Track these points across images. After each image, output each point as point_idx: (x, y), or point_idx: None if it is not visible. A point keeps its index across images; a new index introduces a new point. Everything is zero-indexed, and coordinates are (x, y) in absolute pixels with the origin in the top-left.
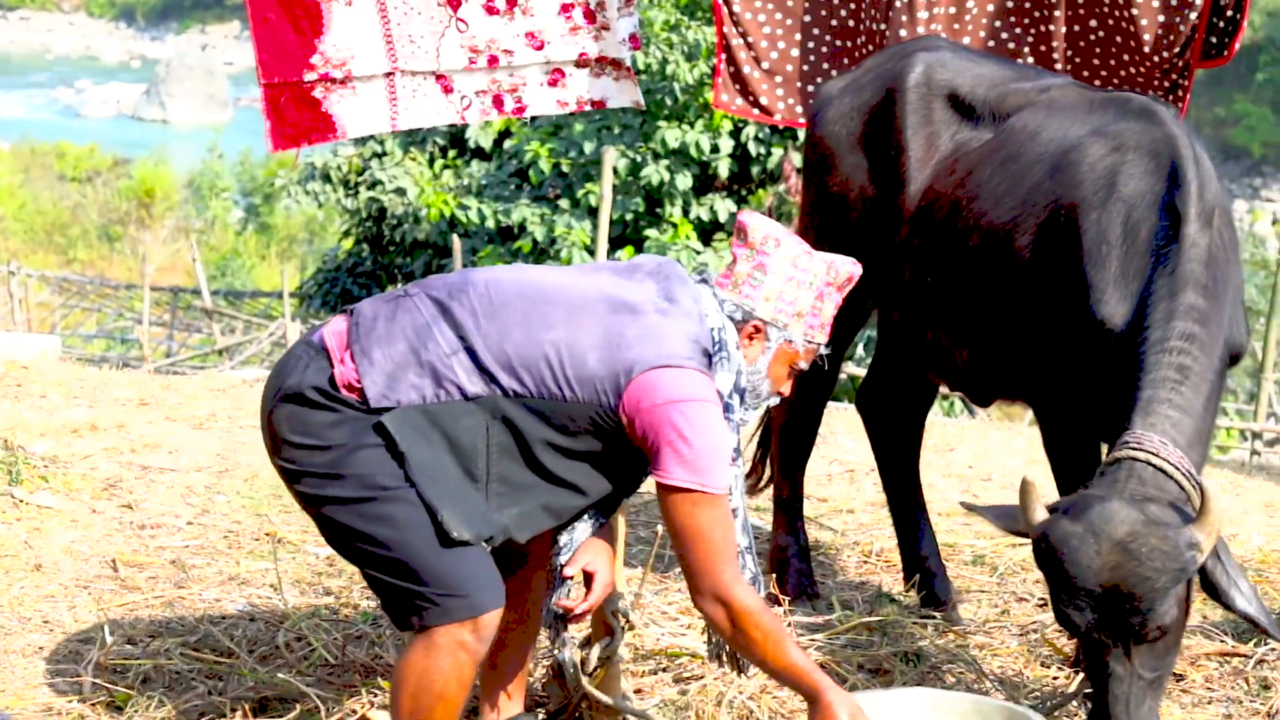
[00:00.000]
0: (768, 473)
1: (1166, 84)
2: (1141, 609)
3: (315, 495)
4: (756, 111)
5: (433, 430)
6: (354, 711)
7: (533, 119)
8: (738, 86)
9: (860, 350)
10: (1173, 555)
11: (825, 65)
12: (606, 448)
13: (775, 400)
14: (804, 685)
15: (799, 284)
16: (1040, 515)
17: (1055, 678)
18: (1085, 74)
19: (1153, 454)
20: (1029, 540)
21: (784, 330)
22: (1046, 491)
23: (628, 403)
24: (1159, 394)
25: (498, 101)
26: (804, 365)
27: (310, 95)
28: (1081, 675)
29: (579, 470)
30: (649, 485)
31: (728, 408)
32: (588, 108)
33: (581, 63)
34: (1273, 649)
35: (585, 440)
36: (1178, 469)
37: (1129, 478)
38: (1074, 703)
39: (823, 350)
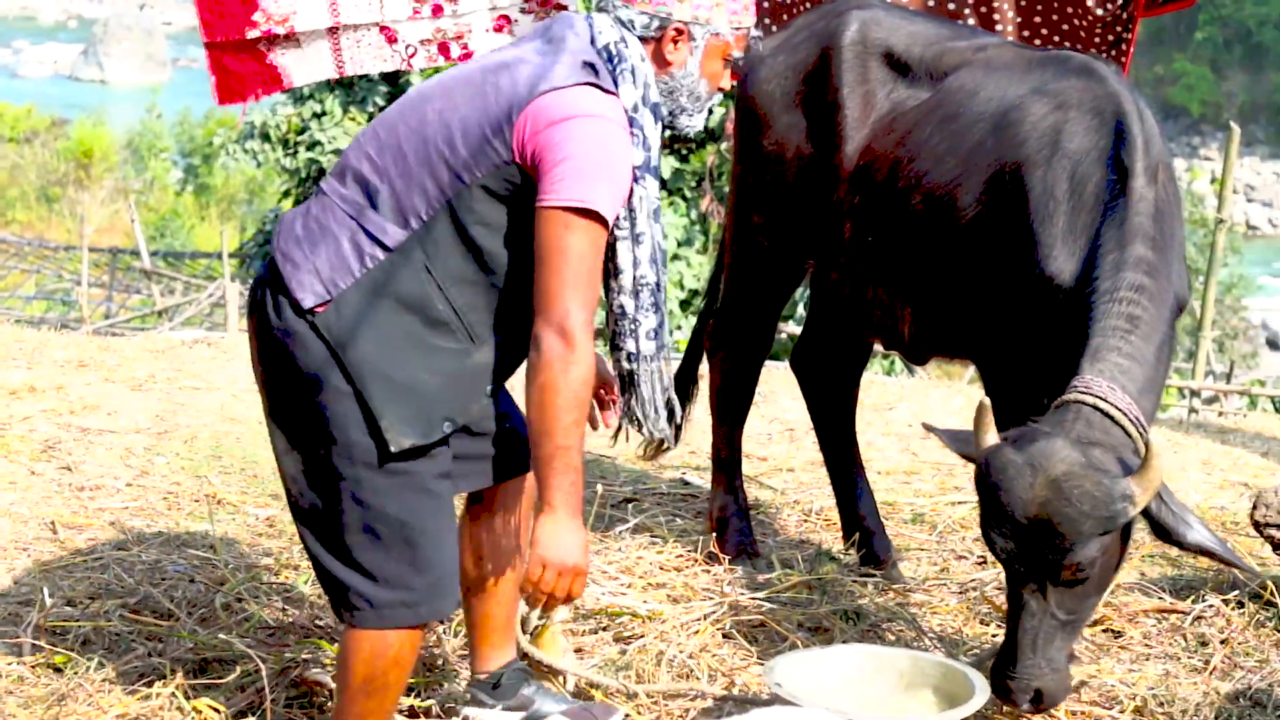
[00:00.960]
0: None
1: (1110, 37)
2: (1062, 548)
3: (311, 457)
4: None
5: (377, 302)
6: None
7: None
8: None
9: (801, 310)
10: (1103, 502)
11: (766, 20)
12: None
13: (718, 98)
14: (548, 487)
15: None
16: (990, 440)
17: (994, 635)
18: (1027, 32)
19: (1101, 399)
20: (968, 499)
21: (707, 25)
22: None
23: (516, 144)
24: (1109, 342)
25: (443, 49)
26: (738, 52)
27: (255, 49)
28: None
29: (516, 277)
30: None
31: (633, 123)
32: None
33: (527, 9)
34: (1210, 606)
35: (505, 230)
36: (1125, 415)
37: (1076, 420)
38: None
39: (754, 34)
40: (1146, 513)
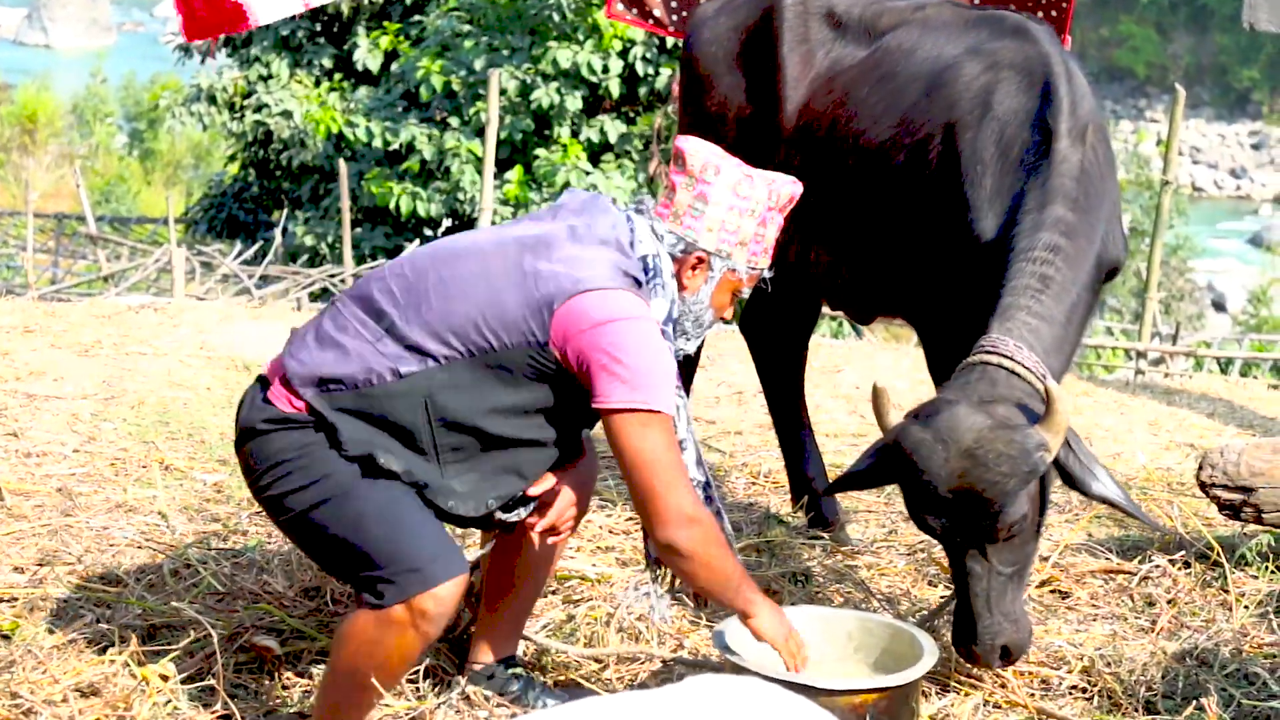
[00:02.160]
0: None
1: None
2: (992, 512)
3: (293, 514)
4: (650, 22)
5: (368, 412)
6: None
7: (420, 39)
8: None
9: None
10: (1020, 458)
11: None
12: (555, 391)
13: (718, 326)
14: (745, 604)
15: (742, 212)
16: (894, 420)
17: (943, 596)
18: None
19: (1007, 357)
20: None
21: (727, 260)
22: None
23: (556, 335)
24: (1019, 301)
25: None
26: (747, 291)
27: None
28: (951, 591)
29: (533, 424)
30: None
31: (663, 334)
32: None
33: None
34: (1157, 566)
35: (530, 390)
36: (1031, 371)
37: (980, 380)
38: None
39: (765, 274)
40: (1055, 460)
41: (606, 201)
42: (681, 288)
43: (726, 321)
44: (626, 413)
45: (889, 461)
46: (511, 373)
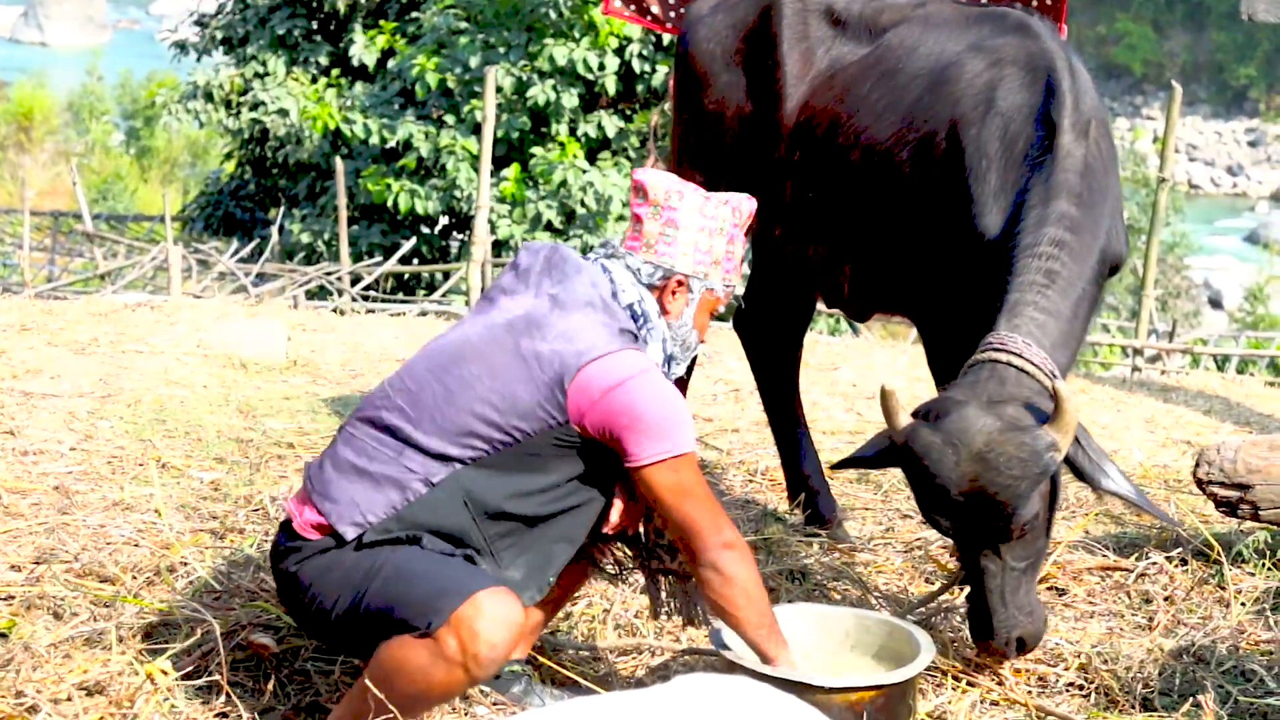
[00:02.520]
0: None
1: None
2: (1005, 513)
3: (335, 629)
4: (647, 19)
5: (414, 531)
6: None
7: (416, 36)
8: None
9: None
10: (1031, 460)
11: None
12: (585, 459)
13: (701, 347)
14: (771, 646)
15: (711, 232)
16: (904, 422)
17: (931, 589)
18: None
19: (1015, 354)
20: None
21: (705, 280)
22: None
23: (573, 411)
24: (1025, 297)
25: None
26: (722, 308)
27: None
28: (940, 584)
29: (571, 495)
30: None
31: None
32: None
33: None
34: (1154, 563)
35: (562, 465)
36: (1040, 369)
37: (989, 379)
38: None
39: (737, 291)
40: (1067, 459)
41: (572, 255)
42: (664, 313)
43: (702, 341)
44: (656, 465)
45: (897, 458)
46: (540, 455)
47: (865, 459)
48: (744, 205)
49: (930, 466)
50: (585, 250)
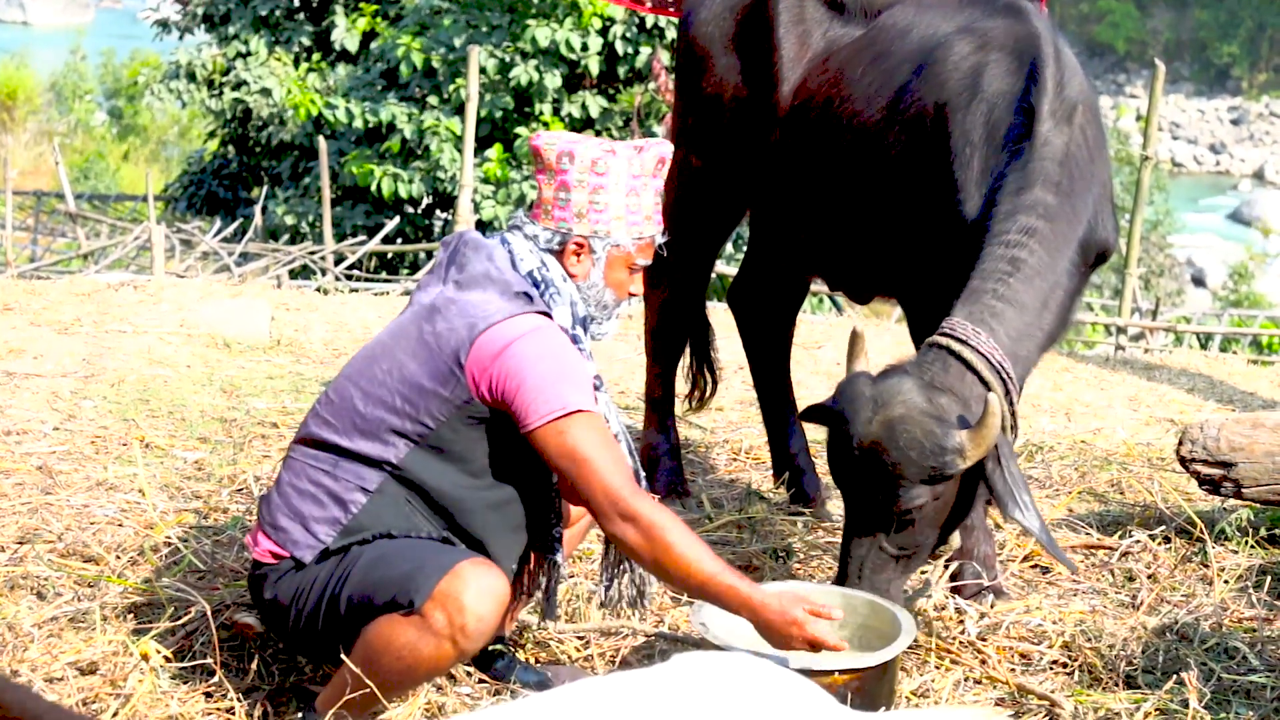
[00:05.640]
0: (709, 381)
1: None
2: (888, 488)
3: (324, 637)
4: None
5: (366, 534)
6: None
7: (398, 18)
8: None
9: (729, 248)
10: (929, 452)
11: None
12: (511, 435)
13: (625, 306)
14: (731, 599)
15: (604, 189)
16: (859, 368)
17: (923, 572)
18: None
19: (961, 341)
20: None
21: (606, 239)
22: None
23: (472, 383)
24: (986, 285)
25: None
26: (643, 262)
27: None
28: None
29: (512, 475)
30: None
31: (574, 339)
32: None
33: None
34: (1137, 541)
35: (483, 444)
36: (988, 360)
37: (934, 362)
38: (933, 588)
39: (659, 240)
40: (983, 475)
41: (474, 236)
42: (571, 276)
43: (633, 294)
44: (547, 425)
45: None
46: (460, 440)
47: (823, 408)
48: (649, 153)
49: (845, 411)
50: None
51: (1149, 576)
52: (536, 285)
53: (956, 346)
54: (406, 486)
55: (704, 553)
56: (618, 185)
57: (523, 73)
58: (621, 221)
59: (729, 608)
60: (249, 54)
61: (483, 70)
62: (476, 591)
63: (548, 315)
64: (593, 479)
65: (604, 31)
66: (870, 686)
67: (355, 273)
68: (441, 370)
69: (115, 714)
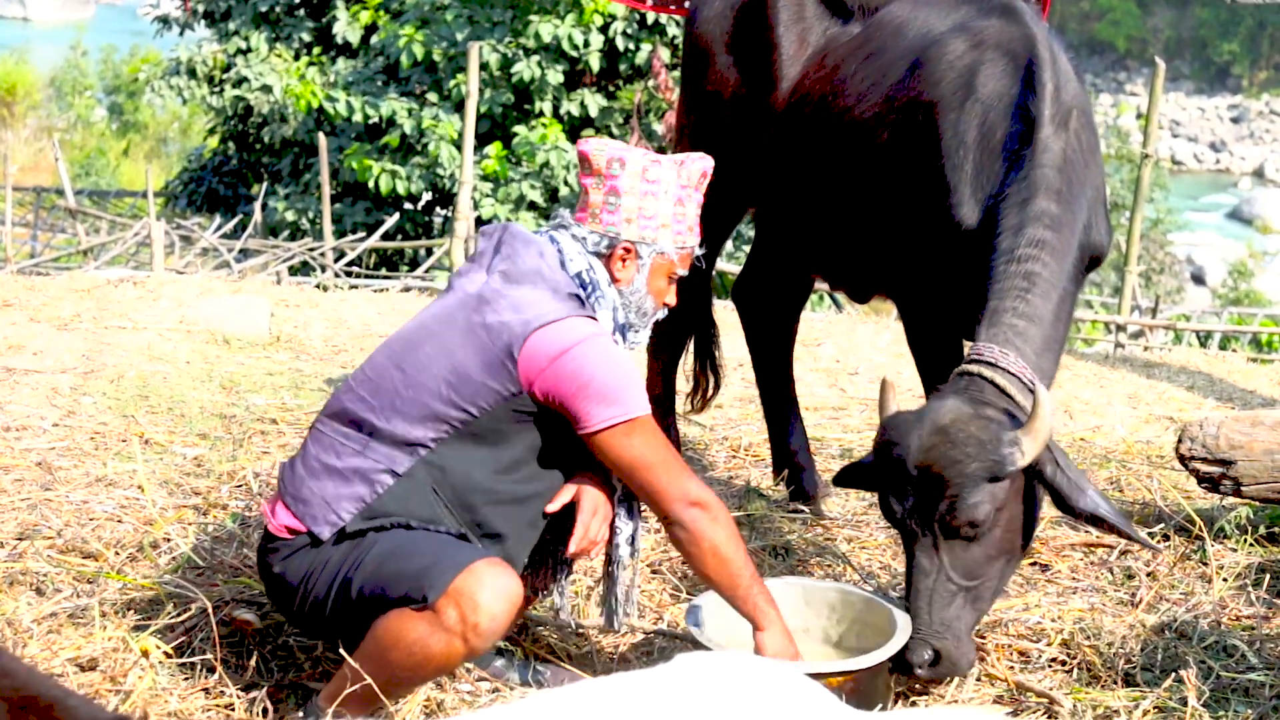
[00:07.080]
0: (712, 381)
1: None
2: (949, 493)
3: (331, 621)
4: None
5: (384, 521)
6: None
7: (399, 13)
8: None
9: (729, 245)
10: (989, 445)
11: None
12: (547, 430)
13: (663, 313)
14: (755, 612)
15: (655, 196)
16: (893, 410)
17: None
18: None
19: (991, 364)
20: None
21: (653, 245)
22: (913, 386)
23: (524, 380)
24: (1005, 304)
25: None
26: (683, 271)
27: None
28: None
29: (539, 475)
30: None
31: (615, 341)
32: None
33: None
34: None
35: (524, 437)
36: (1019, 379)
37: (969, 387)
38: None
39: (697, 251)
40: (1043, 478)
41: (522, 231)
42: (615, 281)
43: (668, 305)
44: (609, 430)
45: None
46: (500, 430)
47: (864, 467)
48: (694, 165)
49: (893, 437)
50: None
51: (1148, 574)
52: (584, 287)
53: (988, 372)
54: (437, 472)
55: (744, 567)
56: (667, 194)
57: (525, 68)
58: (668, 230)
59: (745, 614)
60: (249, 50)
61: (484, 66)
62: (492, 591)
63: (594, 319)
64: (656, 483)
65: (605, 28)
66: (862, 687)
67: (355, 269)
68: (492, 362)
69: (115, 710)
